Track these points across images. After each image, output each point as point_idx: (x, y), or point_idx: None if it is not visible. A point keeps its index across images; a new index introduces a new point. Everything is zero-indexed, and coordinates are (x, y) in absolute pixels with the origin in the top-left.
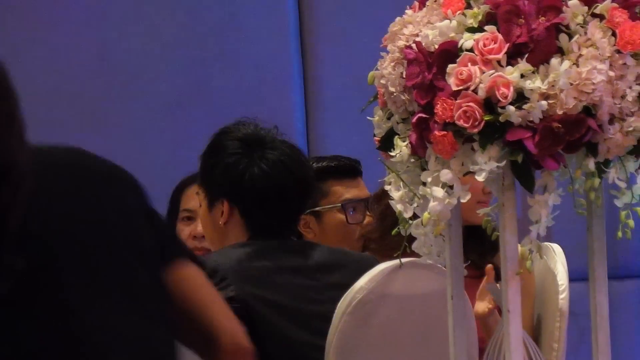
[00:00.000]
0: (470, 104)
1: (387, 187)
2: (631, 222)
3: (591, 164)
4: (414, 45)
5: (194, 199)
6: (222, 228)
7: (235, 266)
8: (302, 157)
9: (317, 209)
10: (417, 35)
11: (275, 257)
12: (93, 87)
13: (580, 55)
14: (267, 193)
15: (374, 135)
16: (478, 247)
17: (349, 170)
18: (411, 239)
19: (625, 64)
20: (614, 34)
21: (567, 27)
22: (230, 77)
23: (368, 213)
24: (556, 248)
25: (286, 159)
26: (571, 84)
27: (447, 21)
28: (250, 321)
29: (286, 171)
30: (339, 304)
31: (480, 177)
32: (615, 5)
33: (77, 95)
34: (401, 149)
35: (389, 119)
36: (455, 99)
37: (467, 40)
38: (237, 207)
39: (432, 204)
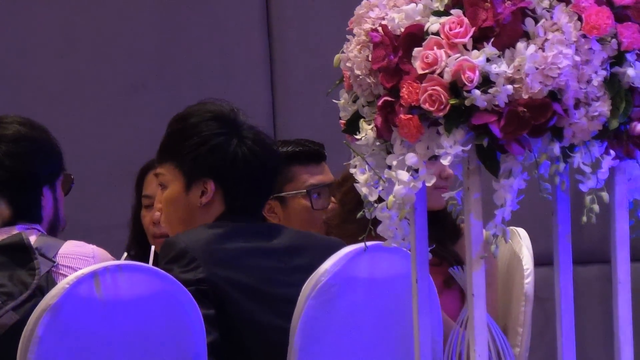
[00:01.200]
0: (436, 87)
1: (352, 170)
2: (596, 207)
3: (556, 149)
4: (380, 29)
5: (152, 184)
6: (198, 209)
7: (205, 247)
8: (270, 140)
9: (282, 194)
10: (383, 18)
11: (245, 239)
12: (56, 68)
13: (546, 40)
14: (253, 173)
15: (340, 118)
16: (438, 233)
17: (313, 155)
18: (376, 222)
19: (591, 48)
20: (579, 19)
21: (533, 11)
22: (195, 60)
23: (333, 199)
24: (521, 232)
25: (262, 139)
26: (537, 69)
27: (413, 4)
28: (219, 303)
29: (267, 151)
30: (303, 288)
31: (445, 161)
32: None
33: (40, 76)
34: (367, 132)
35: (354, 102)
36: (421, 83)
37: (433, 24)
38: (221, 188)
39: (397, 187)
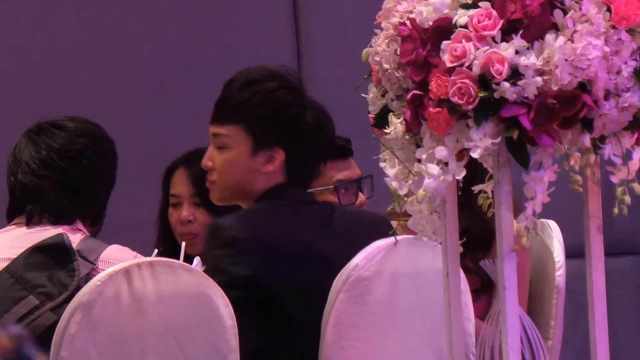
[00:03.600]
0: (465, 80)
1: (381, 164)
2: (627, 198)
3: (587, 140)
4: (408, 22)
5: (179, 183)
6: (260, 175)
7: (257, 237)
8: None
9: (310, 190)
10: (411, 11)
11: (300, 222)
12: (84, 66)
13: (575, 31)
14: (321, 148)
15: (369, 113)
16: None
17: (340, 150)
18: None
19: (620, 39)
20: (609, 10)
21: (561, 2)
22: (223, 57)
23: (361, 193)
24: (552, 225)
25: (325, 113)
26: (566, 60)
27: None
28: (264, 301)
29: (331, 125)
30: (334, 282)
31: (475, 154)
32: None
33: (68, 75)
34: (396, 126)
35: (383, 96)
36: (450, 76)
37: (462, 17)
38: (290, 159)
39: (427, 181)
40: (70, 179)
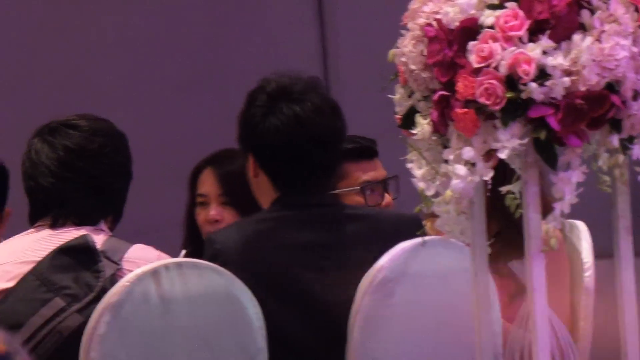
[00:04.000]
0: (492, 81)
1: (409, 165)
2: None
3: (615, 141)
4: (434, 23)
5: (206, 183)
6: (255, 181)
7: (239, 249)
8: (329, 111)
9: (336, 191)
10: (437, 12)
11: (290, 232)
12: (110, 68)
13: (603, 31)
14: (280, 148)
15: (395, 114)
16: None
17: (365, 151)
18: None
19: None
20: (636, 10)
21: (589, 2)
22: (247, 58)
23: (387, 194)
24: (581, 225)
25: (305, 113)
26: (594, 60)
27: None
28: None
29: (298, 125)
30: (360, 283)
31: (502, 155)
32: None
33: (94, 77)
34: (423, 126)
35: (410, 96)
36: (477, 76)
37: (488, 17)
38: (259, 160)
39: (454, 181)
40: (93, 178)
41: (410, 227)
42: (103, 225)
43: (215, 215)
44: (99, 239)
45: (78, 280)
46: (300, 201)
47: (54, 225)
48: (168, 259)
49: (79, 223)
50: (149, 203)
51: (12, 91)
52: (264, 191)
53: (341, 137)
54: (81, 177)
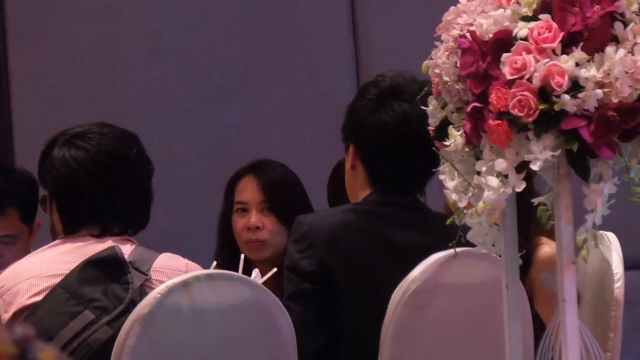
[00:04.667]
0: (525, 92)
1: (441, 177)
2: None
3: None
4: (468, 35)
5: (247, 190)
6: (351, 173)
7: (328, 234)
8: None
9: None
10: (471, 24)
11: (376, 228)
12: (144, 78)
13: (636, 44)
14: (385, 144)
15: (428, 125)
16: None
17: None
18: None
19: None
20: None
21: (622, 15)
22: (281, 68)
23: None
24: (611, 236)
25: (415, 113)
26: (626, 72)
27: (501, 10)
28: (329, 298)
29: (407, 124)
30: (393, 294)
31: (535, 167)
32: None
33: (128, 87)
34: (455, 138)
35: (443, 108)
36: (510, 88)
37: (522, 29)
38: (358, 152)
39: (486, 193)
40: (138, 185)
41: None
42: (129, 235)
43: (257, 222)
44: (127, 249)
45: (107, 293)
46: (393, 200)
47: (103, 235)
48: (199, 270)
49: (131, 232)
50: (182, 213)
51: (48, 102)
52: (358, 184)
53: None
54: (130, 183)
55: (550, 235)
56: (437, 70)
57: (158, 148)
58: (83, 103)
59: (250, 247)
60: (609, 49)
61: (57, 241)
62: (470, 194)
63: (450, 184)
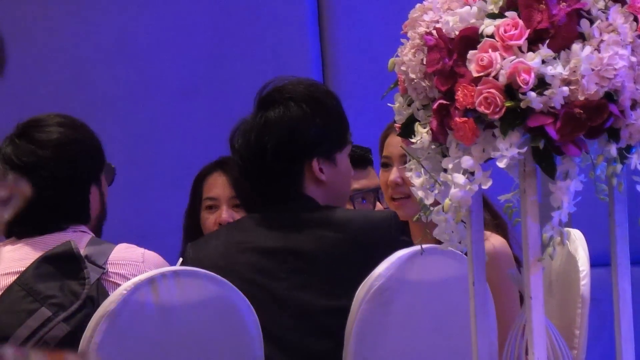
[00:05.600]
0: (491, 90)
1: (407, 174)
2: None
3: (613, 150)
4: (434, 32)
5: (216, 186)
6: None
7: (198, 256)
8: (288, 120)
9: None
10: (437, 21)
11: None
12: (111, 74)
13: (602, 41)
14: (246, 160)
15: (395, 122)
16: None
17: (359, 160)
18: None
19: None
20: (635, 19)
21: (588, 12)
22: (246, 64)
23: (378, 203)
24: (577, 233)
25: (262, 123)
26: (593, 70)
27: (467, 7)
28: None
29: (243, 139)
30: (357, 292)
31: (501, 164)
32: None
33: (94, 82)
34: (422, 135)
35: (409, 105)
36: (476, 85)
37: (488, 27)
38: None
39: (453, 190)
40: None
41: (381, 226)
42: (84, 226)
43: (228, 217)
44: (82, 243)
45: (63, 289)
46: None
47: (44, 231)
48: (165, 267)
49: (63, 227)
50: (149, 209)
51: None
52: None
53: None
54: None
55: (495, 229)
56: (403, 68)
57: (124, 144)
58: (48, 98)
59: None
60: (575, 47)
61: (10, 239)
62: (436, 191)
63: (416, 181)
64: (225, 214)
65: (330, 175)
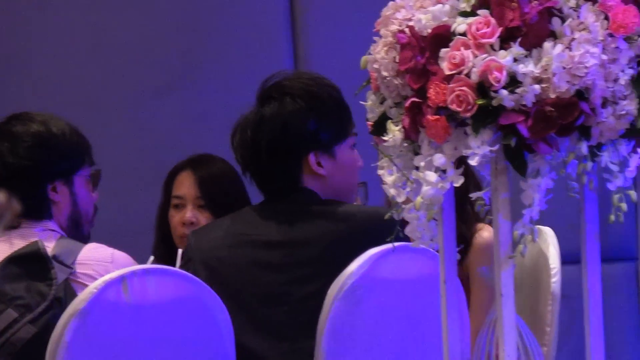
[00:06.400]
0: (463, 88)
1: (380, 172)
2: (624, 206)
3: (584, 148)
4: (407, 30)
5: (183, 185)
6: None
7: (200, 245)
8: (277, 118)
9: None
10: (410, 19)
11: (244, 231)
12: (87, 71)
13: (573, 39)
14: (247, 152)
15: (367, 120)
16: None
17: None
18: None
19: (617, 47)
20: (606, 18)
21: (559, 10)
22: (220, 62)
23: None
24: (548, 231)
25: (258, 119)
26: (564, 68)
27: (439, 5)
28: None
29: (241, 136)
30: (329, 290)
31: (473, 162)
32: None
33: (67, 80)
34: (394, 133)
35: (381, 103)
36: (448, 83)
37: (460, 25)
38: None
39: (425, 188)
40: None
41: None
42: (53, 224)
43: (191, 217)
44: (50, 242)
45: (30, 290)
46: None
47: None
48: (136, 265)
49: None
50: (121, 208)
51: None
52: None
53: None
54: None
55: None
56: (375, 66)
57: (96, 142)
58: (22, 97)
59: (184, 243)
60: (547, 45)
61: None
62: (408, 189)
63: (388, 178)
64: (190, 213)
65: (330, 169)
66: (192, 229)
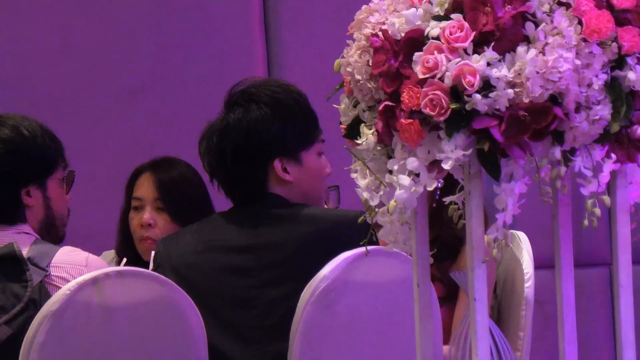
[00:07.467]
0: (437, 92)
1: (353, 175)
2: (597, 211)
3: (557, 153)
4: (380, 33)
5: (143, 187)
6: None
7: (167, 251)
8: (238, 123)
9: None
10: (383, 23)
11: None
12: (56, 73)
13: (547, 44)
14: (213, 160)
15: (340, 123)
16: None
17: None
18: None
19: (591, 52)
20: (580, 23)
21: (533, 15)
22: (193, 64)
23: (326, 204)
24: (521, 236)
25: (223, 126)
26: (537, 73)
27: (413, 9)
28: None
29: (207, 143)
30: (302, 293)
31: (446, 166)
32: None
33: (37, 81)
34: (367, 137)
35: (355, 106)
36: (422, 87)
37: (434, 29)
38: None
39: (398, 192)
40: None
41: (355, 222)
42: (27, 227)
43: (149, 219)
44: (25, 244)
45: (5, 291)
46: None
47: None
48: (109, 267)
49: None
50: (92, 209)
51: None
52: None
53: None
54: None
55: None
56: (349, 69)
57: (68, 144)
58: None
59: (142, 245)
60: (520, 49)
61: None
62: (381, 193)
63: (362, 182)
64: (147, 215)
65: (297, 175)
66: (150, 231)
